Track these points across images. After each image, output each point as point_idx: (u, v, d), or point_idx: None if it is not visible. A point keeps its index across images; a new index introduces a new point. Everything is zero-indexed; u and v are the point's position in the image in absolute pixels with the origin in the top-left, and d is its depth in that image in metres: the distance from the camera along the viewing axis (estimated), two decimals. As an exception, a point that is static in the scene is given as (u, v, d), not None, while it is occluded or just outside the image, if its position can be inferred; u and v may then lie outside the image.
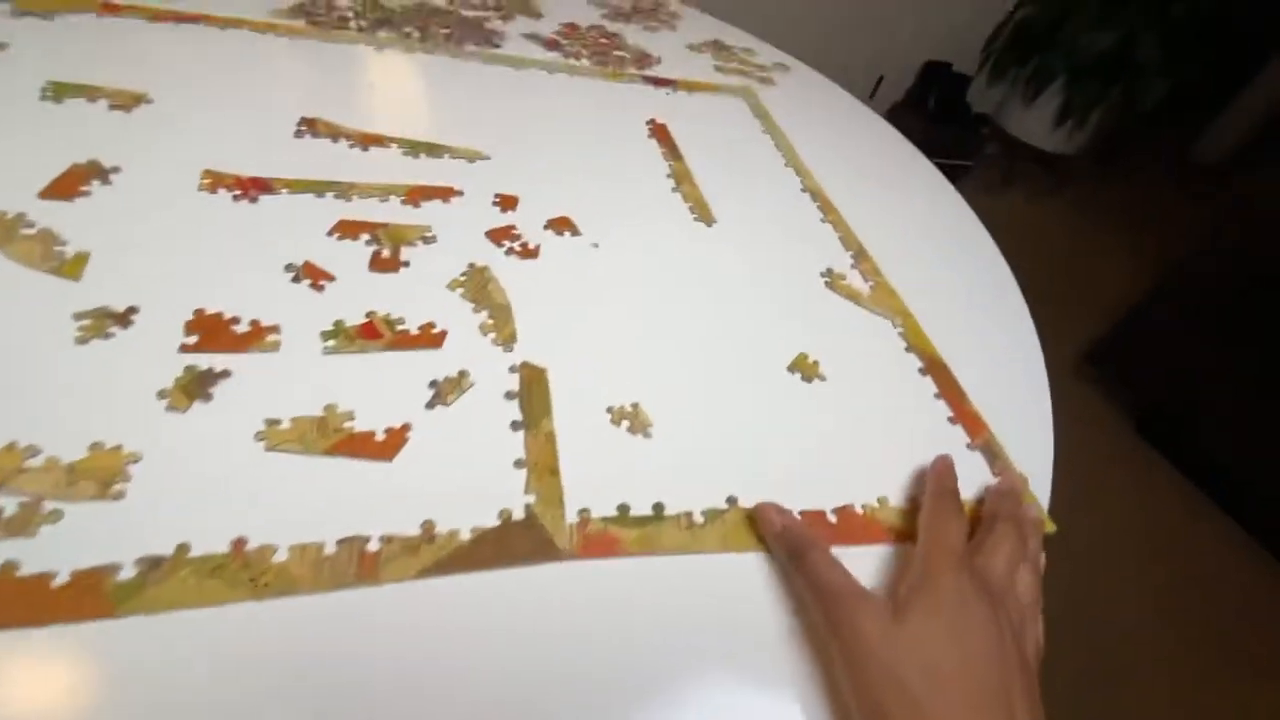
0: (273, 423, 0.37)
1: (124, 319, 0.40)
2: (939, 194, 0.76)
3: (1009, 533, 0.36)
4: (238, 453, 0.36)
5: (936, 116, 2.25)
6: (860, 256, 0.61)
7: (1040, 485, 0.46)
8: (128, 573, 0.30)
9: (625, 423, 0.42)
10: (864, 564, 0.38)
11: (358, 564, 0.32)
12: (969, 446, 0.47)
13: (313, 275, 0.46)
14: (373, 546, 0.33)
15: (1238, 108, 2.67)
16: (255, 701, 0.28)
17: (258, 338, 0.41)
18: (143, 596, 0.30)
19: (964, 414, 0.49)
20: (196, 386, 0.38)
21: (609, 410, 0.43)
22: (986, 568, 0.33)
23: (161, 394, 0.37)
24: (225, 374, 0.39)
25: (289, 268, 0.46)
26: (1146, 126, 2.44)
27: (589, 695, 0.31)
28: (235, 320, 0.42)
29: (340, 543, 0.33)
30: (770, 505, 0.38)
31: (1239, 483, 1.49)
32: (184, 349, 0.40)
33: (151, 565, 0.31)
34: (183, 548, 0.31)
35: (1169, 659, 1.22)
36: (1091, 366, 1.75)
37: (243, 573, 0.31)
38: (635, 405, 0.43)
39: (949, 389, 0.51)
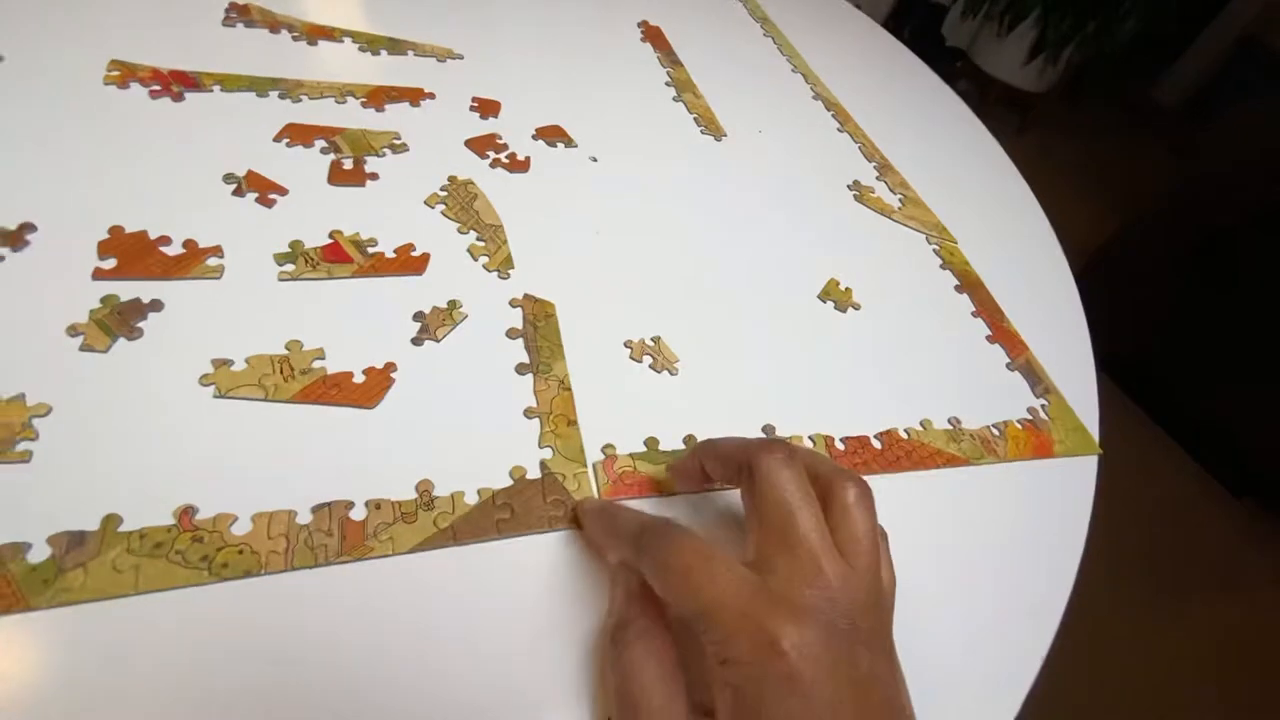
0: (222, 363, 0.30)
1: (16, 239, 0.32)
2: (948, 105, 0.70)
3: (781, 484, 0.23)
4: (179, 401, 0.29)
5: (911, 48, 2.18)
6: (885, 168, 0.56)
7: (1087, 410, 0.42)
8: (39, 553, 0.24)
9: (647, 359, 0.36)
10: (911, 491, 0.34)
11: (341, 535, 0.26)
12: (1009, 367, 0.43)
13: (258, 186, 0.38)
14: (358, 513, 0.27)
15: (1197, 50, 2.68)
16: (214, 711, 0.22)
17: (195, 261, 0.33)
18: (63, 583, 0.23)
19: (1002, 332, 0.45)
20: (118, 320, 0.30)
21: (627, 345, 0.36)
22: (791, 579, 0.21)
23: (72, 330, 0.29)
24: (156, 305, 0.31)
25: (229, 178, 0.38)
26: (1113, 66, 2.42)
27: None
28: (164, 240, 0.34)
29: (317, 509, 0.26)
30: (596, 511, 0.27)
31: (1197, 420, 1.54)
32: (99, 275, 0.32)
33: (71, 543, 0.24)
34: (111, 519, 0.25)
35: (1124, 586, 1.27)
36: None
37: (194, 550, 0.24)
38: (657, 339, 0.37)
39: (986, 307, 0.47)
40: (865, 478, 0.24)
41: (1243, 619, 1.27)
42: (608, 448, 0.32)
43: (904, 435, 0.37)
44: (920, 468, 0.36)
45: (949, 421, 0.39)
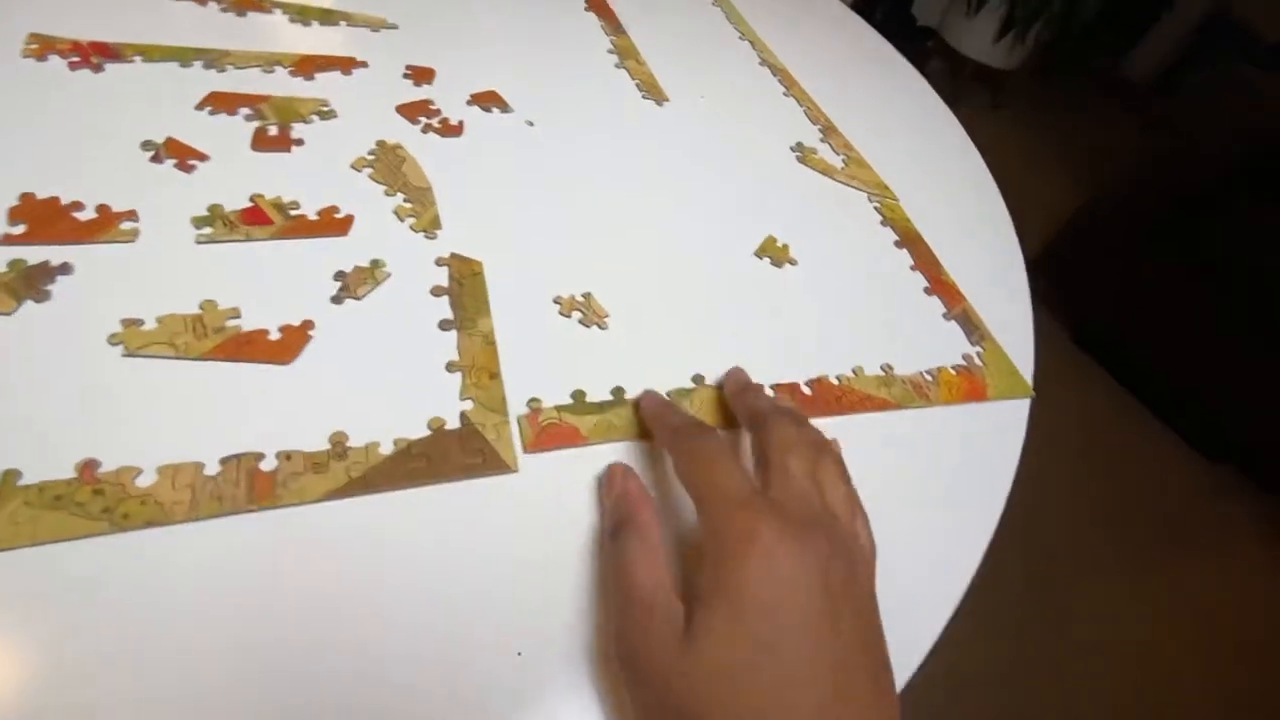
0: (132, 323, 0.30)
1: (-79, 205, 0.31)
2: (898, 72, 0.70)
3: (788, 435, 0.27)
4: (85, 359, 0.28)
5: (882, 28, 2.18)
6: (829, 131, 0.56)
7: (1022, 356, 0.43)
8: (-65, 512, 0.23)
9: (577, 314, 0.36)
10: (841, 436, 0.34)
11: (248, 486, 0.26)
12: (945, 316, 0.44)
13: (178, 153, 0.37)
14: (268, 465, 0.27)
15: (1166, 24, 2.70)
16: (116, 661, 0.22)
17: (107, 225, 0.33)
18: (-40, 541, 0.23)
19: (940, 284, 0.45)
20: (25, 283, 0.30)
21: (556, 301, 0.36)
22: (786, 497, 0.24)
23: (-24, 294, 0.29)
24: (65, 269, 0.31)
25: (147, 145, 0.37)
26: (1081, 43, 2.44)
27: (549, 617, 0.26)
28: (77, 206, 0.33)
29: (225, 461, 0.26)
30: (619, 466, 0.30)
31: (1169, 388, 1.56)
32: (7, 240, 0.31)
33: (-31, 501, 0.24)
34: (10, 474, 0.24)
35: (1102, 551, 1.28)
36: (1030, 280, 1.77)
37: (95, 502, 0.24)
38: (587, 295, 0.37)
39: (925, 261, 0.47)
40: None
41: (1216, 580, 1.29)
42: (533, 401, 0.32)
43: (835, 382, 0.37)
44: (849, 412, 0.36)
45: (881, 368, 0.39)
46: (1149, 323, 1.57)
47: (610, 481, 0.29)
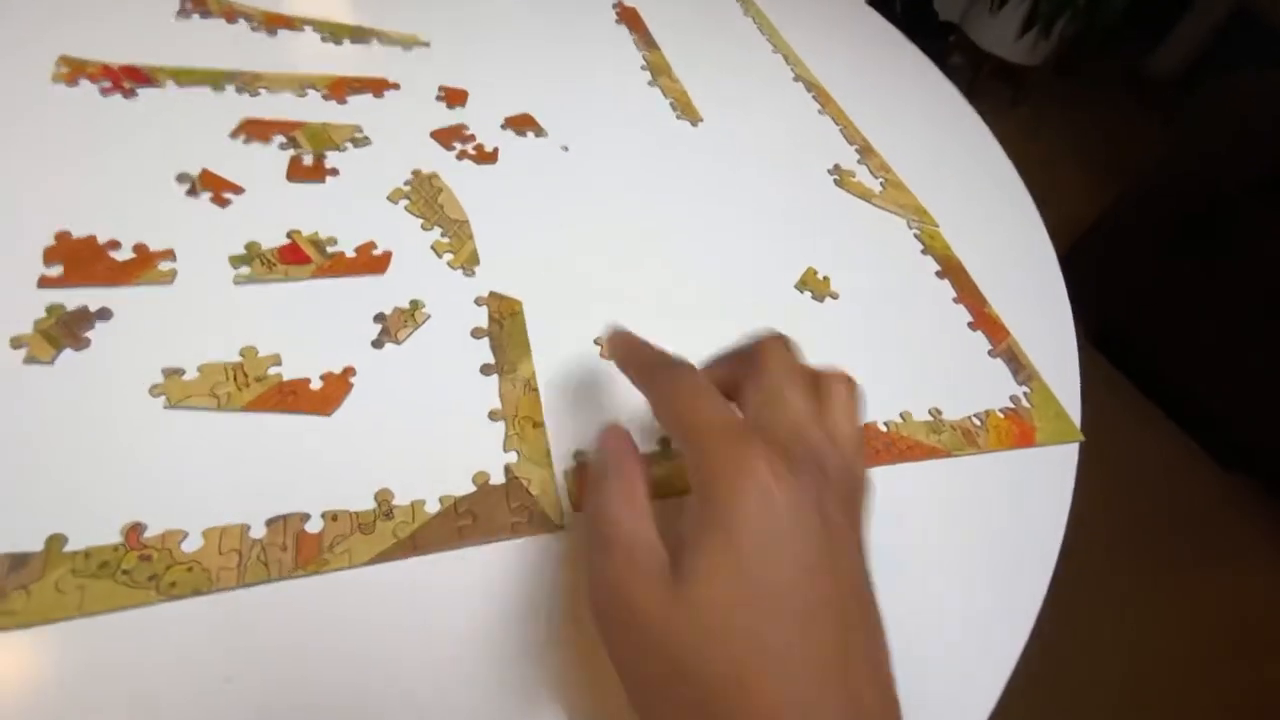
0: (174, 373, 0.29)
1: (-42, 246, 0.31)
2: (933, 84, 0.69)
3: (779, 359, 0.24)
4: (127, 413, 0.28)
5: (902, 23, 2.14)
6: (866, 152, 0.54)
7: (1069, 393, 0.42)
8: (-19, 578, 0.23)
9: (617, 356, 0.35)
10: (890, 485, 0.33)
11: (296, 549, 0.25)
12: (990, 354, 0.43)
13: (213, 186, 0.36)
14: (314, 526, 0.26)
15: (1190, 22, 2.65)
16: (168, 739, 0.22)
17: (145, 266, 0.32)
18: (5, 606, 0.22)
19: (984, 319, 0.44)
20: (64, 330, 0.29)
21: (597, 343, 0.36)
22: (774, 423, 0.22)
23: (16, 342, 0.28)
24: (104, 314, 0.30)
25: (182, 178, 0.36)
26: (1105, 39, 2.39)
27: (600, 686, 0.25)
28: (114, 245, 0.33)
29: (271, 523, 0.26)
30: (613, 427, 0.26)
31: (1186, 393, 1.54)
32: (44, 283, 0.31)
33: (14, 565, 0.23)
34: (56, 540, 0.24)
35: (1113, 557, 1.27)
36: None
37: (141, 569, 0.24)
38: (627, 335, 0.36)
39: (967, 292, 0.46)
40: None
41: (1230, 589, 1.28)
42: (578, 454, 0.31)
43: (883, 428, 0.36)
44: (900, 460, 0.35)
45: (929, 413, 0.38)
46: (1168, 326, 1.55)
47: (600, 440, 0.25)
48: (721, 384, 0.26)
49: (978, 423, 0.38)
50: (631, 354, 0.27)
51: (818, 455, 0.21)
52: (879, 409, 0.37)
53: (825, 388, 0.24)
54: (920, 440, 0.36)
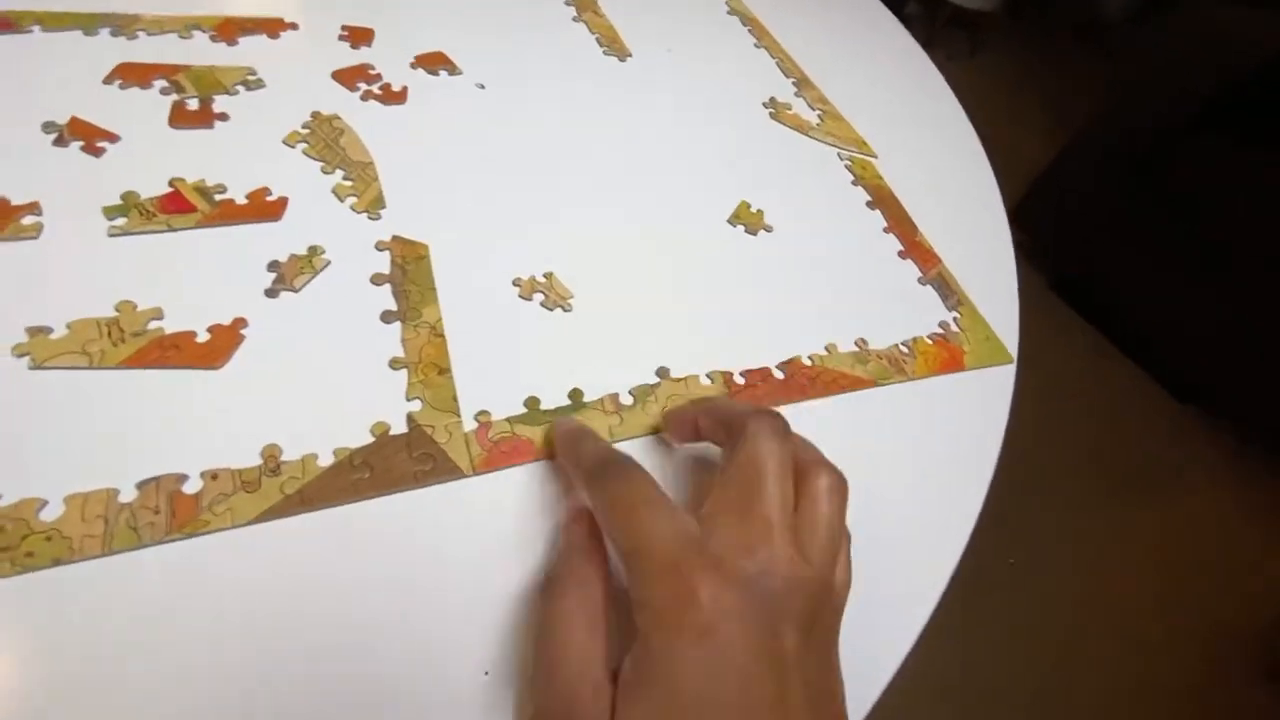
0: (39, 331, 0.27)
1: None
2: (876, 19, 0.66)
3: (764, 441, 0.22)
4: (-17, 377, 0.25)
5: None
6: (804, 84, 0.52)
7: (1006, 322, 0.41)
8: None
9: (538, 296, 0.33)
10: (813, 420, 0.32)
11: (171, 511, 0.23)
12: (920, 281, 0.42)
13: (84, 134, 0.33)
14: (191, 486, 0.24)
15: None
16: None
17: (6, 220, 0.30)
18: None
19: (915, 247, 0.43)
20: (-90, 292, 0.27)
21: (515, 284, 0.34)
22: (734, 544, 0.20)
23: None
24: (-43, 272, 0.28)
25: (48, 126, 0.33)
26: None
27: (518, 632, 0.24)
28: (-32, 200, 0.30)
29: (142, 485, 0.24)
30: (572, 508, 0.25)
31: (1143, 331, 1.56)
32: (-112, 242, 0.28)
33: None
34: (-104, 515, 0.22)
35: (1073, 491, 1.30)
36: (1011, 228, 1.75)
37: (-7, 541, 0.22)
38: (549, 275, 0.34)
39: (899, 222, 0.44)
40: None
41: (1183, 519, 1.32)
42: (481, 415, 0.29)
43: (808, 362, 0.35)
44: (825, 394, 0.34)
45: (855, 343, 0.37)
46: (1122, 267, 1.56)
47: (564, 528, 0.25)
48: (706, 432, 0.26)
49: (905, 350, 0.37)
50: (571, 446, 0.26)
51: (775, 569, 0.19)
52: (805, 343, 0.36)
53: (807, 483, 0.22)
54: (845, 372, 0.35)
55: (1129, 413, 1.49)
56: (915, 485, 0.33)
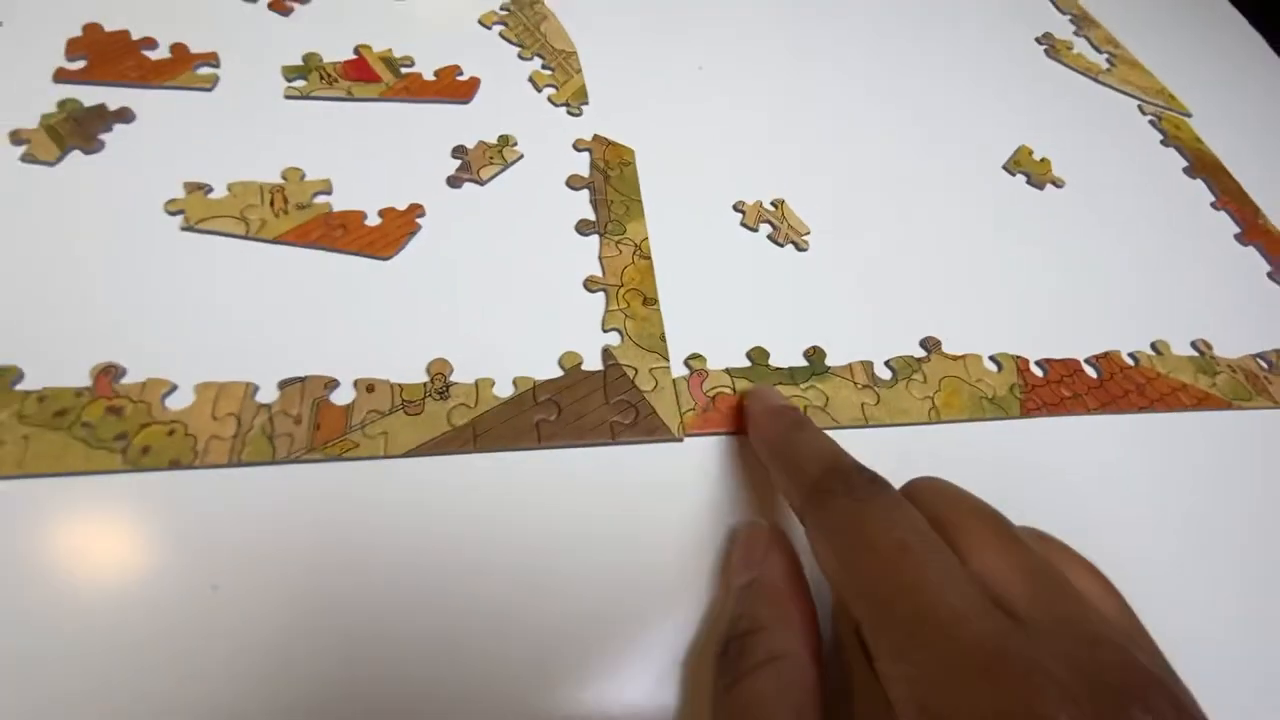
0: (197, 188, 0.23)
1: (-29, 27, 0.25)
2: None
3: (998, 527, 0.14)
4: (134, 230, 0.21)
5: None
6: (1084, 20, 0.41)
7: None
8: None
9: (765, 227, 0.26)
10: (1142, 440, 0.22)
11: (314, 423, 0.18)
12: (1272, 276, 0.30)
13: (274, -13, 0.29)
14: (342, 396, 0.19)
15: None
16: (101, 651, 0.15)
17: (181, 67, 0.26)
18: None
19: (1258, 231, 0.32)
20: (75, 128, 0.23)
21: (738, 209, 0.26)
22: (1055, 630, 0.12)
23: (16, 137, 0.23)
24: (125, 115, 0.24)
25: (239, -23, 0.30)
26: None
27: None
28: (148, 42, 0.26)
29: (286, 385, 0.19)
30: (758, 529, 0.18)
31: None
32: (61, 76, 0.25)
33: (-36, 405, 0.17)
34: (6, 373, 0.18)
35: None
36: None
37: (107, 424, 0.17)
38: (779, 203, 0.27)
39: (1232, 198, 0.33)
40: (1076, 419, 0.18)
41: None
42: (694, 359, 0.22)
43: (1130, 361, 0.25)
44: (1158, 408, 0.24)
45: (1194, 346, 0.27)
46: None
47: (743, 555, 0.17)
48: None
49: (1265, 365, 0.27)
50: (779, 433, 0.18)
51: (1138, 675, 0.11)
52: (1122, 335, 0.26)
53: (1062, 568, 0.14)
54: (1186, 382, 0.25)
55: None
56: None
